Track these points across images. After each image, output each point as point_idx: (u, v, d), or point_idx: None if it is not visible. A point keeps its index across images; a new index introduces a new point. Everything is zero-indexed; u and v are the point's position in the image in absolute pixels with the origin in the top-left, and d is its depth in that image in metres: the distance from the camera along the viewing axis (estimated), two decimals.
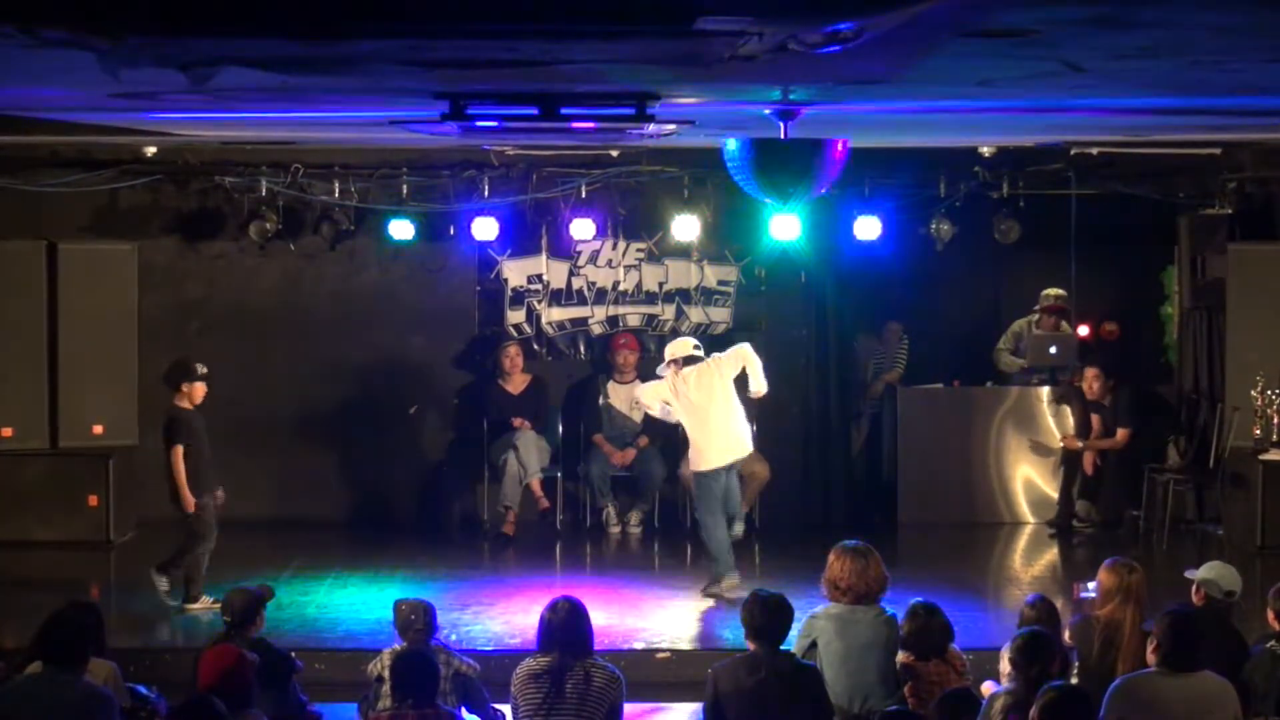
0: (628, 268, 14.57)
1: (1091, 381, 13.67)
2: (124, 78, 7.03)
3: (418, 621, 8.03)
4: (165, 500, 11.87)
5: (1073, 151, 13.23)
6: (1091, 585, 8.05)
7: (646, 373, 13.90)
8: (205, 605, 10.94)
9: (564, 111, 8.14)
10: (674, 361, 11.32)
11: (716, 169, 11.12)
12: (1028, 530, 14.04)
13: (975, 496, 14.20)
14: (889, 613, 7.97)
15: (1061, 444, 13.92)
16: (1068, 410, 13.97)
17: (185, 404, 11.18)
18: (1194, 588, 7.95)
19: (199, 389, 11.19)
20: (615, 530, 14.02)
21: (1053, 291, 13.99)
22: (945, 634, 7.80)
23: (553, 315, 14.56)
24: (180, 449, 11.01)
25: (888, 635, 7.88)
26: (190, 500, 10.98)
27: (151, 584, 11.09)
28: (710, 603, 11.19)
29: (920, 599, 7.97)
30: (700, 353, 11.37)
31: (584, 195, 13.91)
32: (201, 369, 11.23)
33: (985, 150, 13.52)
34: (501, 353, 13.99)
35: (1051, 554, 13.39)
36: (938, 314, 14.59)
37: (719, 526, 11.20)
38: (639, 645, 10.17)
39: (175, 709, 6.61)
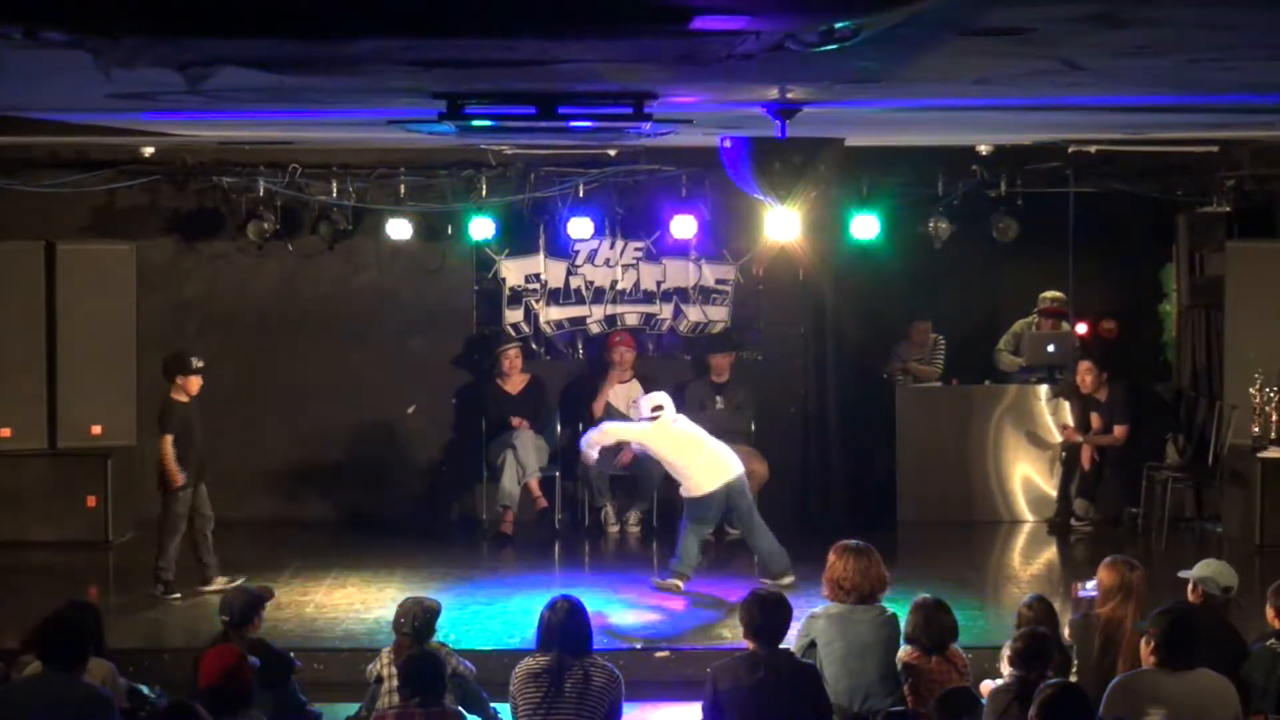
0: (626, 267, 14.55)
1: (1084, 375, 13.66)
2: (121, 79, 7.02)
3: (406, 625, 8.06)
4: None
5: (1071, 149, 13.22)
6: (1091, 584, 8.05)
7: (644, 371, 13.93)
8: (220, 586, 11.04)
9: (561, 111, 8.13)
10: (655, 412, 11.64)
11: (714, 168, 11.11)
12: (1026, 528, 14.03)
13: (974, 495, 14.19)
14: (890, 612, 7.98)
15: (1062, 438, 13.93)
16: (1066, 407, 13.97)
17: (181, 396, 11.36)
18: (1191, 586, 7.94)
19: (194, 382, 11.40)
20: (614, 530, 14.01)
21: (1050, 294, 13.99)
22: (952, 630, 7.81)
23: (551, 315, 14.55)
24: (169, 438, 11.18)
25: (888, 635, 7.89)
26: (177, 477, 11.15)
27: (154, 588, 11.29)
28: (709, 602, 11.20)
29: (928, 594, 7.99)
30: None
31: (582, 194, 13.90)
32: (197, 362, 11.43)
33: (983, 148, 13.52)
34: (501, 355, 13.97)
35: (1050, 552, 13.39)
36: (936, 312, 14.57)
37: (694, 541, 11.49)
38: (639, 645, 10.17)
39: (158, 716, 6.62)
